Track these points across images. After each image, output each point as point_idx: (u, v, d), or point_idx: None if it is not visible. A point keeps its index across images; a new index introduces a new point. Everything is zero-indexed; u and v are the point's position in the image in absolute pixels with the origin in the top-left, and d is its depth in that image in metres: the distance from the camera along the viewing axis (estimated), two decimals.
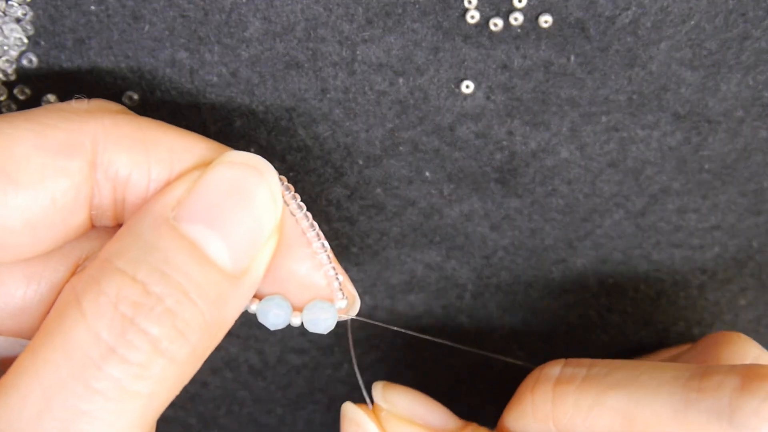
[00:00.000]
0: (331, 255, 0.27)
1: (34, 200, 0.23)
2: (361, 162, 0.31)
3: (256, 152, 0.31)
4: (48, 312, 0.25)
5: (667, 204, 0.33)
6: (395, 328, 0.33)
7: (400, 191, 0.32)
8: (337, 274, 0.27)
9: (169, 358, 0.22)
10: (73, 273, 0.25)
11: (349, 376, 0.36)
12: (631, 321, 0.35)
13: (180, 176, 0.25)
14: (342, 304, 0.27)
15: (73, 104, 0.25)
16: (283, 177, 0.26)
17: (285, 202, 0.26)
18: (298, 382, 0.36)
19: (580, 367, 0.28)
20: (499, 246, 0.33)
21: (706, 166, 0.32)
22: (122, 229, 0.24)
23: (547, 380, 0.28)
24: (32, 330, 0.25)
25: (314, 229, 0.26)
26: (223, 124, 0.30)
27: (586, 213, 0.33)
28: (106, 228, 0.26)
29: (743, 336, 0.30)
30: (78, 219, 0.24)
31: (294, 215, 0.26)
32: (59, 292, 0.25)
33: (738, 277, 0.35)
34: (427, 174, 0.32)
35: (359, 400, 0.33)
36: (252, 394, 0.37)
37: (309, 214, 0.26)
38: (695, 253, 0.34)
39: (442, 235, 0.33)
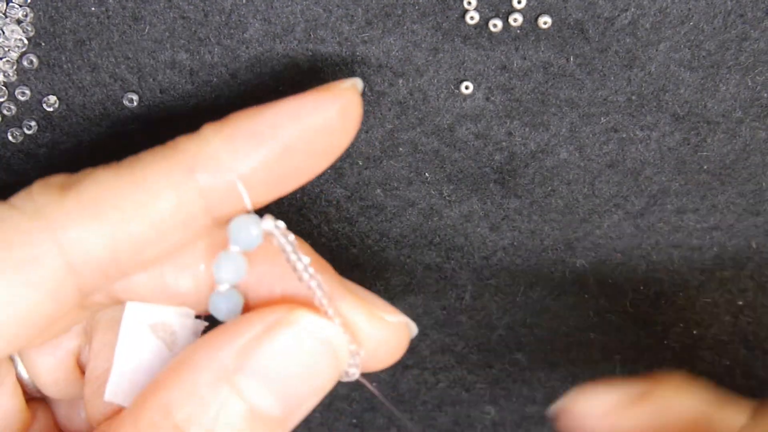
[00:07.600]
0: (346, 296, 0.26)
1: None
2: (360, 163, 0.31)
3: None
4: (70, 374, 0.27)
5: (666, 205, 0.33)
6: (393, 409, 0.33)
7: (399, 192, 0.32)
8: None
9: None
10: (84, 338, 0.27)
11: None
12: (630, 321, 0.35)
13: (247, 317, 0.24)
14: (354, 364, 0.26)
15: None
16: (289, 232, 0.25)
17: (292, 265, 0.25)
18: None
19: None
20: (498, 247, 0.33)
21: (705, 167, 0.32)
22: (183, 366, 0.24)
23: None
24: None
25: (316, 283, 0.25)
26: None
27: (585, 214, 0.33)
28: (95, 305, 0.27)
29: None
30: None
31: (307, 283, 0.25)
32: (75, 357, 0.27)
33: (737, 278, 0.35)
34: (427, 175, 0.32)
35: (360, 398, 0.33)
36: None
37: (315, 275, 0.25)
38: (694, 254, 0.34)
39: (442, 236, 0.33)
